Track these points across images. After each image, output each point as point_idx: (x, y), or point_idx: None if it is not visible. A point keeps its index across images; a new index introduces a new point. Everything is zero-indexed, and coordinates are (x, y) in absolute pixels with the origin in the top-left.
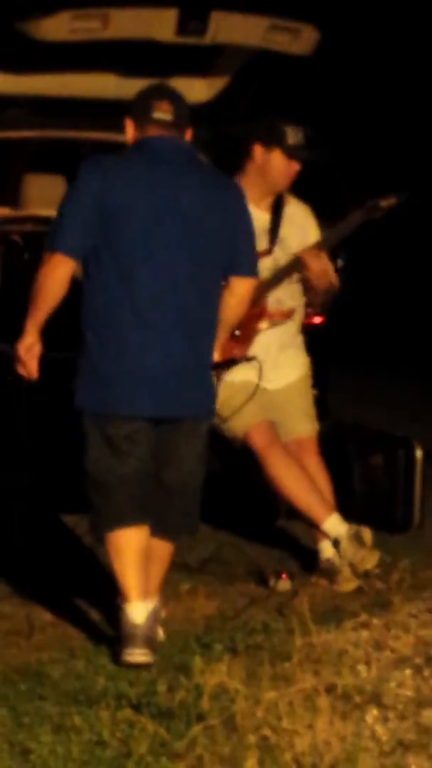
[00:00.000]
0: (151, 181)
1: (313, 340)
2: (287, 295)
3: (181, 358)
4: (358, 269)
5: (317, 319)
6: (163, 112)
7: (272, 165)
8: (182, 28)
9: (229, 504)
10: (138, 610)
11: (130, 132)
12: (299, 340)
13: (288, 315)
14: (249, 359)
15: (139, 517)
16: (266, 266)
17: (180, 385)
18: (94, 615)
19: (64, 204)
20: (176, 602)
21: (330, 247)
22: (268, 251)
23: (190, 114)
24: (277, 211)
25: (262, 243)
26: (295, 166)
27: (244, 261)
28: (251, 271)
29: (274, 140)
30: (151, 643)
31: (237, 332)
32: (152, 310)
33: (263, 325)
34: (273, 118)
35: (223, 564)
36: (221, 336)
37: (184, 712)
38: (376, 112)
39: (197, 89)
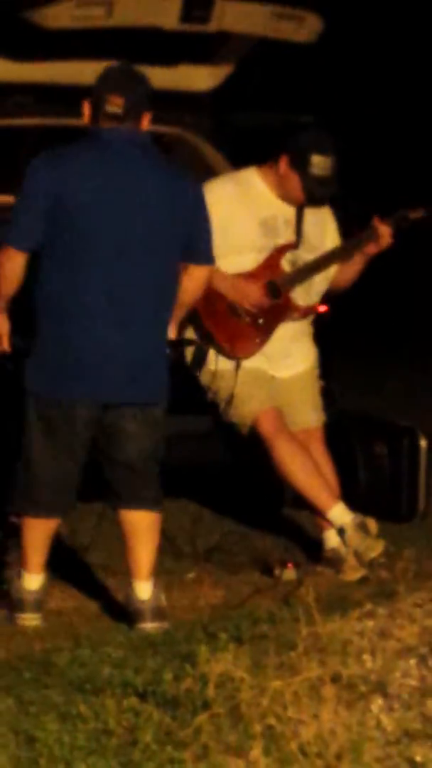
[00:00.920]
0: (104, 174)
1: (319, 328)
2: (309, 291)
3: (133, 347)
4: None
5: (322, 308)
6: (114, 106)
7: (291, 184)
8: (186, 15)
9: (234, 493)
10: (33, 580)
11: (86, 117)
12: (310, 330)
13: (309, 311)
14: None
15: (58, 513)
16: (288, 259)
17: (130, 372)
18: (100, 603)
19: (18, 198)
20: (181, 591)
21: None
22: (295, 245)
23: (148, 97)
24: (301, 205)
25: (286, 234)
26: None
27: (201, 250)
28: (208, 259)
29: (299, 165)
30: (39, 606)
31: (260, 320)
32: (106, 298)
33: (295, 314)
34: (310, 132)
35: (228, 553)
36: (177, 314)
37: (189, 701)
38: (381, 102)
39: (201, 77)
